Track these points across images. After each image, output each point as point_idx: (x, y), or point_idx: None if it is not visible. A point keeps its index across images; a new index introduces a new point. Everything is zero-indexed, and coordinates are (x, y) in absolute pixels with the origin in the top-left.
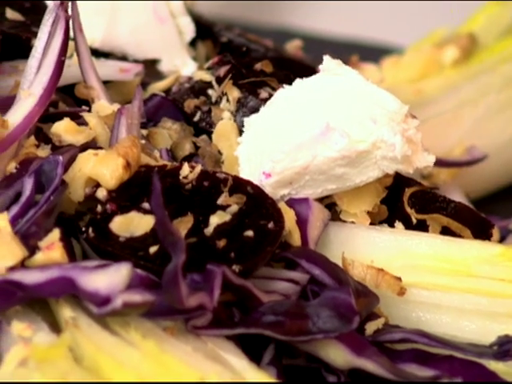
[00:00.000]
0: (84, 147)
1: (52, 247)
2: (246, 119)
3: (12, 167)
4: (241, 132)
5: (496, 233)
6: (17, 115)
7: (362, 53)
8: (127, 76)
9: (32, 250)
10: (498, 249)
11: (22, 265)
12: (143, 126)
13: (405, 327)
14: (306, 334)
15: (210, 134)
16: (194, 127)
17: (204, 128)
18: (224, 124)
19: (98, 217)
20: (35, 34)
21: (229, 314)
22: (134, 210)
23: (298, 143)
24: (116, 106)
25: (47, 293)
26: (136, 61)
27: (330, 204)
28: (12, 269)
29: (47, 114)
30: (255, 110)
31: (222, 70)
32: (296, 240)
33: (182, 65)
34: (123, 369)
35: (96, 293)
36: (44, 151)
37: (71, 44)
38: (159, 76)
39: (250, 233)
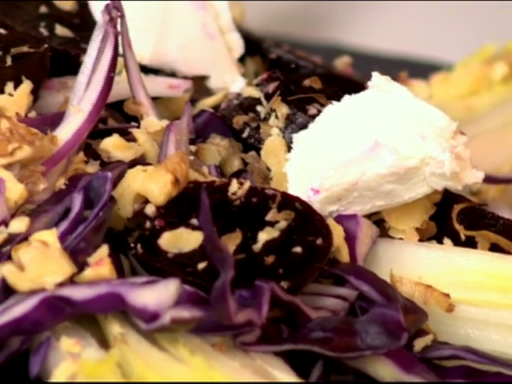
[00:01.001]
0: (133, 163)
1: (101, 263)
2: (294, 135)
3: (61, 183)
4: (289, 148)
5: None
6: (66, 131)
7: (410, 69)
8: (176, 92)
9: (81, 265)
10: None
11: (71, 281)
12: (192, 142)
13: (453, 344)
14: (355, 351)
15: (258, 150)
16: (243, 143)
17: (253, 144)
18: (273, 140)
19: (146, 233)
20: (84, 51)
21: (277, 330)
22: (183, 226)
23: (346, 159)
24: (165, 123)
25: (96, 309)
26: (185, 77)
27: (378, 220)
28: (61, 285)
29: (96, 130)
30: (304, 126)
31: (271, 87)
32: (344, 256)
33: (231, 81)
34: None
35: (144, 309)
36: (93, 167)
37: (120, 60)
38: (208, 92)
39: (298, 249)
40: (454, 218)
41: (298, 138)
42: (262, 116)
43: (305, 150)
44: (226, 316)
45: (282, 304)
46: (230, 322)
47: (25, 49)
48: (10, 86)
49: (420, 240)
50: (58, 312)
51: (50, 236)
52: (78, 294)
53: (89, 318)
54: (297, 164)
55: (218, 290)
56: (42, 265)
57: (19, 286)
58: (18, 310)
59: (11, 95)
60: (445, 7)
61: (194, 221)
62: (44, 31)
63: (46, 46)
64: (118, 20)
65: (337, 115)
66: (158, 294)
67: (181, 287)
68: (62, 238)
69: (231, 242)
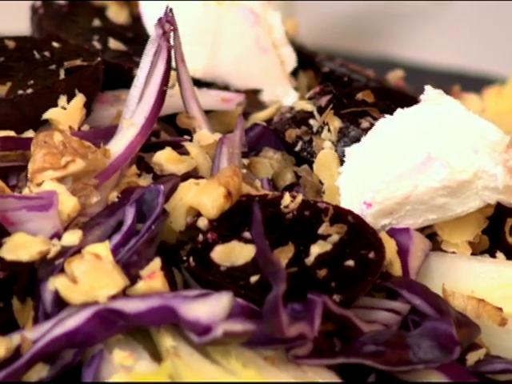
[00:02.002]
0: (185, 176)
1: (153, 276)
2: (347, 149)
3: (114, 196)
4: (342, 162)
5: None
6: (119, 145)
7: (463, 83)
8: (229, 106)
9: (133, 278)
10: None
11: (124, 294)
12: (245, 155)
13: (506, 358)
14: (407, 364)
15: (311, 163)
16: (296, 157)
17: (305, 158)
18: (325, 154)
19: (199, 246)
20: (137, 64)
21: (329, 343)
22: (235, 240)
23: (399, 173)
24: (217, 136)
25: (148, 322)
26: (238, 91)
27: (430, 234)
28: (113, 297)
29: (149, 144)
30: (356, 139)
31: (324, 100)
32: (397, 270)
33: (283, 95)
34: None
35: (197, 322)
36: (145, 180)
37: (173, 74)
38: (261, 106)
39: (350, 262)
40: (506, 231)
41: (351, 151)
42: (315, 129)
43: (357, 163)
44: (279, 329)
45: (334, 317)
46: (283, 336)
47: (78, 62)
48: (63, 100)
49: (473, 254)
50: (111, 325)
51: (103, 249)
52: (131, 306)
53: (141, 330)
54: (349, 177)
55: (270, 304)
56: (94, 278)
57: (72, 299)
58: (70, 322)
59: (64, 108)
60: (498, 21)
61: (247, 234)
62: (97, 44)
63: (99, 59)
64: (171, 34)
65: (389, 129)
66: (210, 307)
67: (233, 300)
68: (115, 250)
69: (284, 255)
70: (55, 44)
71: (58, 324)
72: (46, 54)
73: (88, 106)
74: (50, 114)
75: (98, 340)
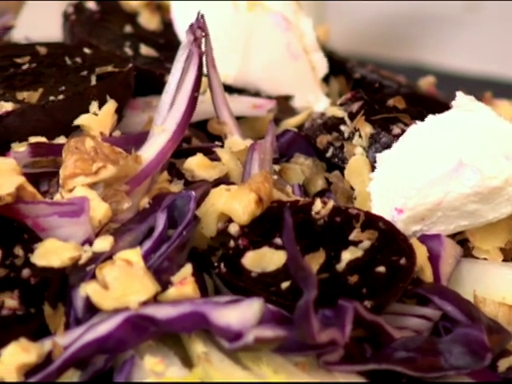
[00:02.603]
0: (217, 182)
1: (184, 282)
2: (378, 155)
3: (145, 202)
4: (373, 168)
5: None
6: (150, 151)
7: (495, 89)
8: (260, 112)
9: (164, 284)
10: None
11: (155, 300)
12: (276, 161)
13: None
14: (438, 371)
15: (342, 169)
16: (327, 163)
17: (336, 164)
18: (356, 160)
19: (230, 252)
20: (169, 70)
21: (360, 349)
22: (266, 246)
23: (430, 179)
24: (248, 142)
25: (179, 328)
26: (269, 97)
27: (462, 240)
28: (145, 304)
29: (180, 150)
30: (388, 145)
31: (355, 106)
32: (428, 276)
33: (314, 101)
34: None
35: (228, 328)
36: (177, 186)
37: (204, 80)
38: (292, 112)
39: (381, 268)
40: None
41: (382, 157)
42: (346, 135)
43: (388, 169)
44: (310, 335)
45: (365, 323)
46: (314, 342)
47: (109, 68)
48: (94, 106)
49: (504, 260)
50: (142, 331)
51: (134, 255)
52: (162, 312)
53: (172, 336)
54: (380, 183)
55: (301, 310)
56: (126, 284)
57: (103, 305)
58: (102, 328)
59: (96, 114)
60: None
61: (278, 240)
62: (129, 51)
63: (130, 65)
64: (203, 40)
65: (421, 135)
66: (241, 313)
67: (264, 306)
68: (146, 256)
69: (315, 261)
70: (87, 50)
71: (89, 330)
72: (78, 60)
73: (119, 112)
74: (82, 120)
75: (130, 346)
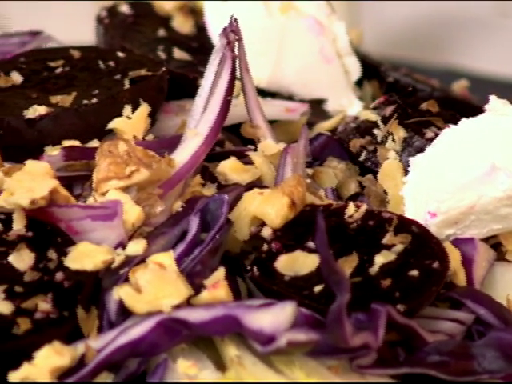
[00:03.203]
0: (249, 186)
1: (217, 286)
2: (411, 159)
3: (178, 206)
4: (406, 172)
5: None
6: (183, 154)
7: None
8: (293, 115)
9: (197, 288)
10: None
11: (188, 303)
12: (309, 165)
13: None
14: (471, 375)
15: (375, 173)
16: (360, 166)
17: (369, 167)
18: (390, 164)
19: (263, 256)
20: (202, 74)
21: (393, 353)
22: (299, 249)
23: (463, 183)
24: (282, 145)
25: (212, 331)
26: (302, 100)
27: (495, 244)
28: (177, 307)
29: (213, 153)
30: (421, 149)
31: (388, 110)
32: (461, 280)
33: (348, 104)
34: None
35: (261, 331)
36: (210, 190)
37: (237, 84)
38: (325, 115)
39: (414, 272)
40: None
41: (415, 161)
42: (379, 139)
43: (422, 173)
44: (343, 339)
45: (398, 327)
46: (347, 345)
47: (143, 72)
48: (127, 109)
49: None
50: (175, 334)
51: (167, 258)
52: (195, 316)
53: (205, 340)
54: (414, 187)
55: (334, 313)
56: (158, 287)
57: (136, 308)
58: (135, 331)
59: (129, 118)
60: None
61: (311, 244)
62: (162, 54)
63: (163, 69)
64: (236, 43)
65: (454, 139)
66: (274, 317)
67: (297, 310)
68: (179, 260)
69: (348, 265)
70: (120, 54)
71: (122, 333)
72: (111, 63)
73: (152, 116)
74: (115, 123)
75: (162, 349)
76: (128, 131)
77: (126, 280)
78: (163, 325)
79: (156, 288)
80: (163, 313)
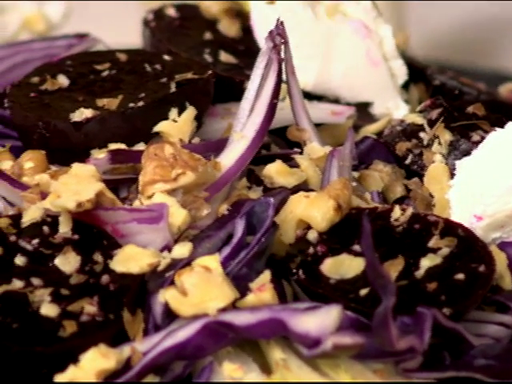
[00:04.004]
0: (295, 189)
1: (263, 289)
2: (457, 162)
3: (224, 209)
4: (452, 175)
5: None
6: (229, 157)
7: None
8: (339, 119)
9: (243, 291)
10: None
11: (233, 306)
12: (355, 168)
13: None
14: None
15: (421, 176)
16: (406, 170)
17: (415, 171)
18: (436, 167)
19: (308, 259)
20: (248, 77)
21: (439, 357)
22: (345, 252)
23: (509, 186)
24: (327, 149)
25: (258, 334)
26: (348, 103)
27: None
28: (223, 310)
29: (259, 156)
30: (467, 153)
31: (434, 113)
32: (507, 283)
33: (394, 108)
34: None
35: (306, 334)
36: (256, 193)
37: (284, 87)
38: (371, 118)
39: (460, 276)
40: None
41: (462, 164)
42: (425, 142)
43: (468, 176)
44: (389, 342)
45: (443, 331)
46: (392, 348)
47: (189, 75)
48: (174, 112)
49: None
50: (221, 337)
51: (213, 261)
52: (241, 319)
53: (251, 343)
54: (460, 191)
55: (379, 316)
56: (204, 290)
57: (182, 311)
58: (180, 334)
59: (175, 121)
60: None
61: (357, 247)
62: (208, 57)
63: (210, 72)
64: (282, 46)
65: (500, 142)
66: (320, 320)
67: (343, 313)
68: (225, 263)
69: (394, 268)
70: (166, 57)
71: (168, 336)
72: (157, 67)
73: (199, 119)
74: (161, 126)
75: (208, 352)
76: (174, 134)
77: (172, 283)
78: (209, 328)
79: (202, 291)
80: (209, 316)
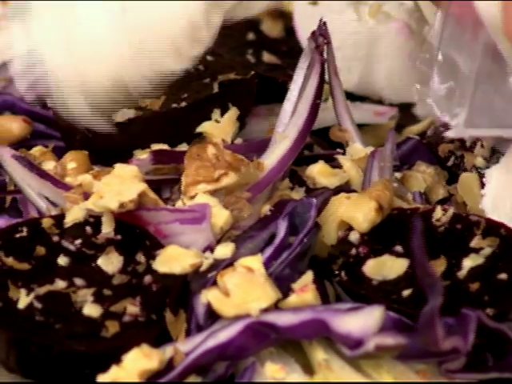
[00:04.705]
0: (337, 190)
1: (305, 289)
2: (486, 171)
3: (266, 209)
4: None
5: None
6: (272, 158)
7: None
8: (382, 119)
9: (285, 291)
10: None
11: (276, 306)
12: (397, 169)
13: None
14: None
15: None
16: (448, 171)
17: (457, 173)
18: (467, 176)
19: (350, 260)
20: (291, 77)
21: (482, 358)
22: (387, 253)
23: None
24: (370, 149)
25: (300, 335)
26: (391, 104)
27: None
28: (265, 310)
29: (302, 157)
30: None
31: None
32: None
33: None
34: None
35: (349, 335)
36: (298, 194)
37: (326, 87)
38: (414, 119)
39: (503, 276)
40: None
41: (490, 173)
42: (468, 145)
43: (498, 185)
44: (434, 342)
45: (487, 331)
46: (437, 349)
47: (232, 76)
48: (216, 113)
49: None
50: (263, 338)
51: (255, 262)
52: (283, 319)
53: (293, 343)
54: (492, 201)
55: (426, 316)
56: (247, 291)
57: (224, 312)
58: (223, 335)
59: (218, 122)
60: None
61: (399, 248)
62: (251, 58)
63: (252, 72)
64: (325, 47)
65: None
66: (362, 321)
67: (385, 314)
68: (267, 263)
69: (436, 268)
70: (209, 57)
71: (210, 336)
72: (200, 67)
73: (241, 120)
74: (204, 127)
75: (250, 353)
76: (217, 135)
77: (214, 283)
78: (251, 328)
79: (244, 291)
80: (251, 316)
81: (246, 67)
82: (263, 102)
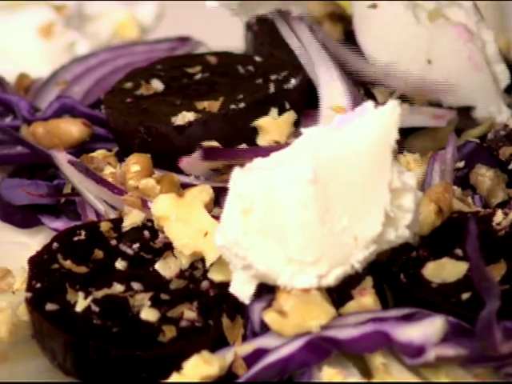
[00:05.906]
0: None
1: (364, 293)
2: None
3: None
4: None
5: None
6: None
7: None
8: (440, 122)
9: (345, 296)
10: None
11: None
12: (458, 172)
13: None
14: None
15: None
16: (509, 175)
17: None
18: None
19: (410, 262)
20: None
21: None
22: (447, 256)
23: None
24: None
25: (362, 348)
26: (450, 107)
27: None
28: (325, 326)
29: None
30: None
31: None
32: None
33: (496, 112)
34: None
35: (409, 344)
36: None
37: None
38: (474, 123)
39: None
40: None
41: None
42: None
43: None
44: (492, 346)
45: None
46: (496, 353)
47: (285, 74)
48: (274, 112)
49: None
50: (324, 352)
51: None
52: (344, 333)
53: None
54: None
55: (483, 320)
56: (304, 311)
57: (284, 332)
58: (284, 350)
59: (275, 119)
60: None
61: (458, 251)
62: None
63: (304, 72)
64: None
65: None
66: (423, 330)
67: (446, 323)
68: None
69: (496, 272)
70: (257, 58)
71: (272, 351)
72: (250, 68)
73: (297, 120)
74: (261, 121)
75: (311, 366)
76: (272, 131)
77: (269, 305)
78: (312, 343)
79: (302, 312)
80: (312, 332)
81: (296, 67)
82: (314, 104)
